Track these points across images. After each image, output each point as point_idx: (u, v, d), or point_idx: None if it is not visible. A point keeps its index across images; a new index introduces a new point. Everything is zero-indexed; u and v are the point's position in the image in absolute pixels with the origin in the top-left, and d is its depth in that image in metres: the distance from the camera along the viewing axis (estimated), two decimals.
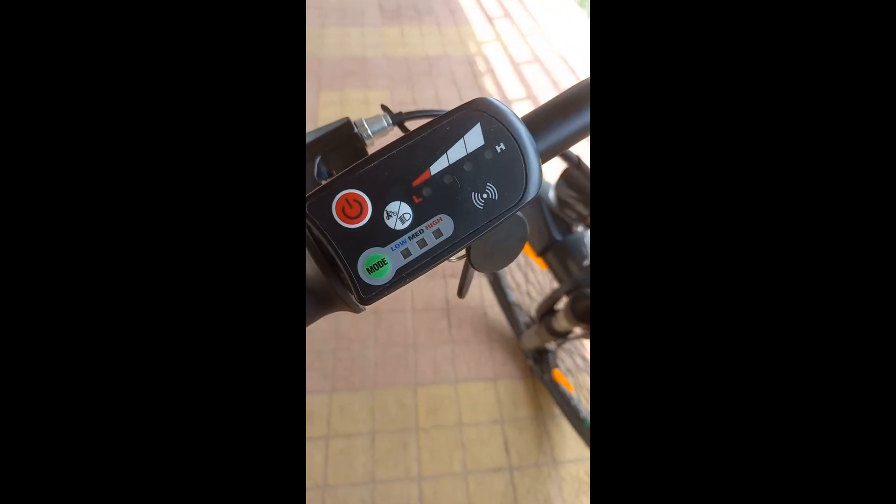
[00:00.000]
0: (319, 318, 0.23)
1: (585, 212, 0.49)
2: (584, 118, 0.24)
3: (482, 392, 1.10)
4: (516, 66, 2.02)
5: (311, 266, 0.21)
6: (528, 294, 0.99)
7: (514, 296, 1.13)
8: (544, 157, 0.24)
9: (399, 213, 0.21)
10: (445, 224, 0.21)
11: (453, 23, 2.26)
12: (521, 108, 1.80)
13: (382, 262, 0.21)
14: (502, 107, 0.22)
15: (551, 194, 0.67)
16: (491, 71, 1.98)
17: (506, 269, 1.12)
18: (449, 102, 1.80)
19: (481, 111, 0.21)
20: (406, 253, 0.21)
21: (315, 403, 1.06)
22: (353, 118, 0.29)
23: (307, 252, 0.21)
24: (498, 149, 0.21)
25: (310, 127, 1.65)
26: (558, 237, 0.68)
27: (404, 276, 0.21)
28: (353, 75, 1.91)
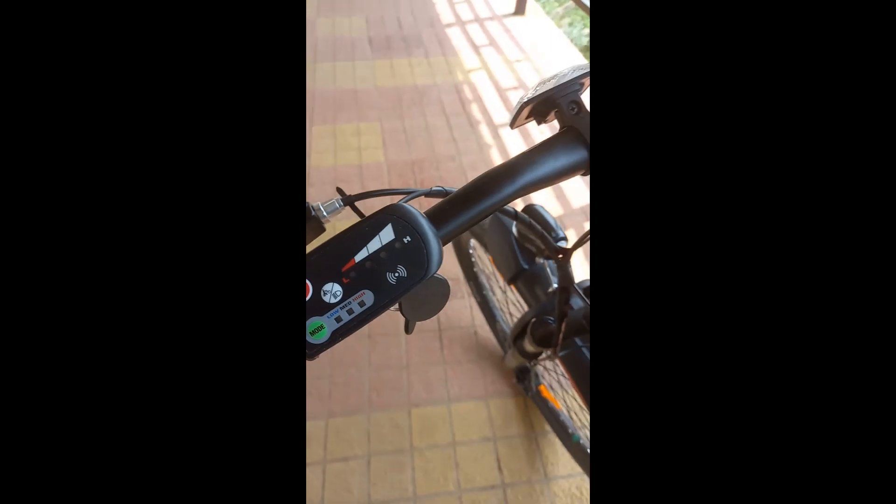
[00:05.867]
0: None
1: (542, 245, 0.55)
2: (479, 207, 0.31)
3: (474, 411, 1.13)
4: (502, 92, 2.09)
5: None
6: (511, 314, 1.03)
7: (501, 316, 1.17)
8: (446, 238, 0.31)
9: (332, 290, 0.28)
10: (367, 297, 0.29)
11: (441, 53, 2.35)
12: (505, 132, 1.87)
13: (321, 328, 0.28)
14: (408, 209, 0.29)
15: (514, 229, 0.72)
16: (478, 98, 2.06)
17: (491, 289, 1.16)
18: (439, 129, 1.87)
19: (391, 214, 0.29)
20: (339, 319, 0.28)
21: (312, 429, 1.09)
22: (310, 202, 0.36)
23: None
24: (405, 240, 0.29)
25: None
26: (525, 266, 0.72)
27: (338, 336, 0.28)
28: (345, 108, 1.98)
